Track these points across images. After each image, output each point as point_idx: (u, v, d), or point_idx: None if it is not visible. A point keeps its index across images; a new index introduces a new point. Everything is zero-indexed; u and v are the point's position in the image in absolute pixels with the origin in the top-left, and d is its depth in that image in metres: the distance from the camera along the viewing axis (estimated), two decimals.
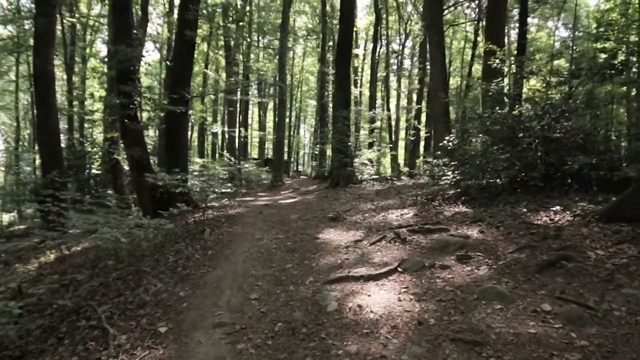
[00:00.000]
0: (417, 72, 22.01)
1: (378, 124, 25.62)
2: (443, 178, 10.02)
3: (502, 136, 8.96)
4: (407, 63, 36.07)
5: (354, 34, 26.92)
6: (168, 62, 15.56)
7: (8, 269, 9.28)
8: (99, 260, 7.21)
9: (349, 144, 17.21)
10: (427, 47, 12.66)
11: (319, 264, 6.05)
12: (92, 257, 7.87)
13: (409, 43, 33.17)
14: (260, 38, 33.92)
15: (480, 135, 9.76)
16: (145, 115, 13.36)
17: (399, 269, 5.30)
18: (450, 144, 10.12)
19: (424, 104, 24.25)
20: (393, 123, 28.97)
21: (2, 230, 15.21)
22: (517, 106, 9.59)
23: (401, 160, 27.51)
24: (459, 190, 9.48)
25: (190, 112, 14.07)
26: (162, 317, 4.80)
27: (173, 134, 12.72)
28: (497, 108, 9.47)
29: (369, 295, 4.59)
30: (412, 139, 20.65)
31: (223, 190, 15.04)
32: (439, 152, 11.36)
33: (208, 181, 16.83)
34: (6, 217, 31.59)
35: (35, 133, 22.87)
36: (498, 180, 8.96)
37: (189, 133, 37.98)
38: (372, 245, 6.61)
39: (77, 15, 20.02)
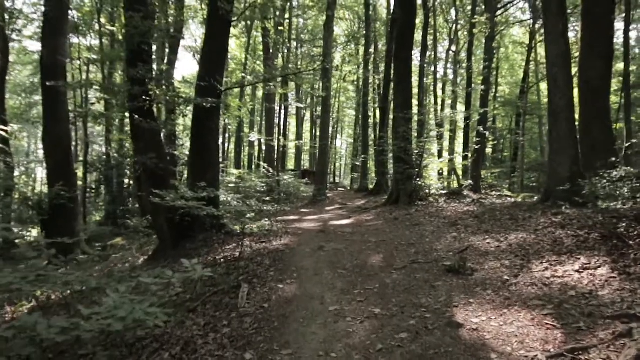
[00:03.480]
0: (482, 72, 17.87)
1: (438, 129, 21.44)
2: None
3: None
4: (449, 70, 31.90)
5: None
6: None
7: None
8: None
9: (416, 151, 13.15)
10: (544, 22, 8.40)
11: None
12: None
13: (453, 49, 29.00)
14: (299, 46, 30.41)
15: None
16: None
17: None
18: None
19: (496, 105, 20.03)
20: (447, 129, 24.74)
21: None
22: None
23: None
24: None
25: (222, 109, 10.35)
26: None
27: (200, 136, 9.01)
28: None
29: None
30: (477, 147, 16.49)
31: (264, 207, 11.33)
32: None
33: (245, 199, 13.13)
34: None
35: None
36: None
37: (225, 144, 34.74)
38: None
39: None
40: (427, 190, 12.99)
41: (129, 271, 7.37)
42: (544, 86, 29.74)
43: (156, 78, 8.32)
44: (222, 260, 6.68)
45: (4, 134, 18.04)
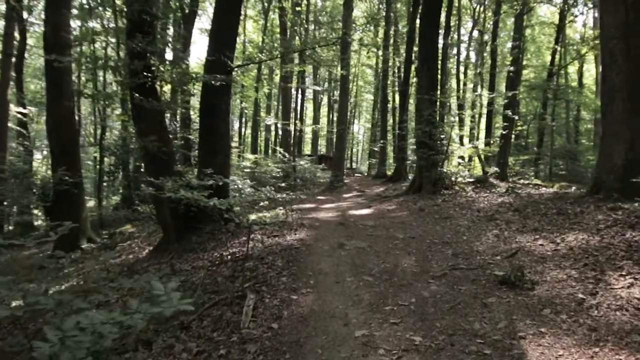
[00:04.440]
0: (511, 52, 16.39)
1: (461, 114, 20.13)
2: None
3: None
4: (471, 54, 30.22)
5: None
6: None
7: None
8: None
9: (442, 136, 11.97)
10: None
11: None
12: None
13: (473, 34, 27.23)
14: (316, 28, 28.99)
15: None
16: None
17: None
18: None
19: (521, 89, 18.50)
20: (468, 114, 23.24)
21: None
22: None
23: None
24: None
25: (235, 89, 9.33)
26: None
27: (209, 117, 8.04)
28: None
29: None
30: (504, 132, 15.16)
31: (278, 196, 10.39)
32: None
33: (259, 185, 12.20)
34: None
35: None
36: None
37: (242, 128, 33.81)
38: None
39: None
40: (452, 178, 11.83)
41: (117, 274, 6.54)
42: (572, 69, 27.94)
43: (159, 52, 7.31)
44: (228, 257, 5.76)
45: (22, 117, 17.48)
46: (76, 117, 11.50)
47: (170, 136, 8.55)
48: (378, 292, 4.00)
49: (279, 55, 10.71)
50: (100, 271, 5.98)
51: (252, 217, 9.34)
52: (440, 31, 20.06)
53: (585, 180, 19.66)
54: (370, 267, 4.75)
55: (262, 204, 10.52)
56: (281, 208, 10.43)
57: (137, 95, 6.83)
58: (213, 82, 7.33)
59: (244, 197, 7.49)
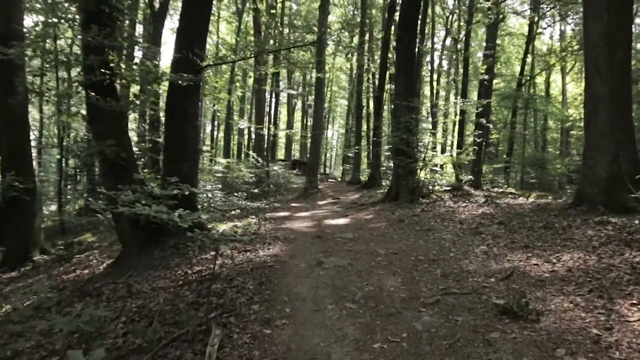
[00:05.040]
0: (486, 61, 16.29)
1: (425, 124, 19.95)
2: None
3: None
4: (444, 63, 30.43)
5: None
6: None
7: None
8: None
9: (420, 143, 11.61)
10: None
11: None
12: None
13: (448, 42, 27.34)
14: (291, 31, 28.41)
15: None
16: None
17: None
18: None
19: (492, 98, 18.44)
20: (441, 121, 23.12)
21: None
22: None
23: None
24: None
25: (205, 89, 8.66)
26: None
27: (176, 121, 7.33)
28: None
29: None
30: (479, 140, 15.03)
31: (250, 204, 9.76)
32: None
33: (231, 190, 11.50)
34: None
35: None
36: None
37: (215, 131, 32.74)
38: None
39: None
40: (430, 187, 11.49)
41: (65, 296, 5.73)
42: (539, 80, 28.44)
43: (118, 47, 6.53)
44: (193, 276, 5.09)
45: None
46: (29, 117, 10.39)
47: (137, 139, 7.73)
48: (364, 324, 3.45)
49: (252, 55, 10.03)
50: (48, 292, 5.17)
51: (223, 227, 8.66)
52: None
53: (554, 188, 19.90)
54: (353, 291, 4.19)
55: (233, 212, 9.84)
56: (253, 217, 9.78)
57: (92, 94, 6.06)
58: (180, 81, 6.63)
59: (212, 212, 6.80)
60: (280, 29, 23.81)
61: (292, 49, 18.42)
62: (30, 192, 9.21)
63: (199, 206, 8.82)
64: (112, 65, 6.29)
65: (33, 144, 17.93)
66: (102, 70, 6.10)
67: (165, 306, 4.18)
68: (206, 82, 9.95)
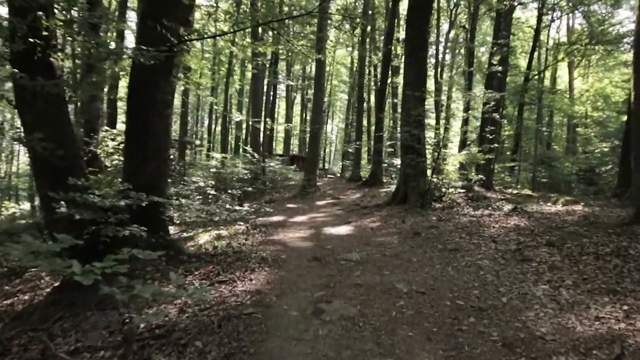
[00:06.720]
0: (495, 51, 14.60)
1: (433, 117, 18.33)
2: None
3: None
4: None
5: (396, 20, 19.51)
6: None
7: None
8: None
9: (432, 140, 9.95)
10: None
11: None
12: None
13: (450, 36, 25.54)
14: (290, 24, 26.52)
15: None
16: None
17: None
18: None
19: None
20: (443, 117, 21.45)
21: None
22: None
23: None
24: None
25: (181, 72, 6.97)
26: None
27: (139, 109, 5.64)
28: None
29: None
30: (491, 137, 13.36)
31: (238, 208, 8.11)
32: None
33: (222, 190, 9.87)
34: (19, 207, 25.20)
35: None
36: None
37: (212, 125, 30.94)
38: None
39: None
40: (443, 189, 9.86)
41: None
42: (546, 75, 26.70)
43: (50, 5, 4.75)
44: (143, 331, 3.45)
45: None
46: None
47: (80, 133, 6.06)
48: None
49: (242, 28, 8.30)
50: None
51: (204, 237, 7.03)
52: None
53: (564, 188, 18.26)
54: None
55: (217, 219, 8.19)
56: (241, 223, 8.15)
57: (16, 71, 4.37)
58: (142, 59, 4.92)
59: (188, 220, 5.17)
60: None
61: (290, 20, 16.40)
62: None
63: (176, 218, 7.17)
64: (46, 33, 4.59)
65: None
66: (32, 40, 4.41)
67: None
68: (186, 65, 8.24)
